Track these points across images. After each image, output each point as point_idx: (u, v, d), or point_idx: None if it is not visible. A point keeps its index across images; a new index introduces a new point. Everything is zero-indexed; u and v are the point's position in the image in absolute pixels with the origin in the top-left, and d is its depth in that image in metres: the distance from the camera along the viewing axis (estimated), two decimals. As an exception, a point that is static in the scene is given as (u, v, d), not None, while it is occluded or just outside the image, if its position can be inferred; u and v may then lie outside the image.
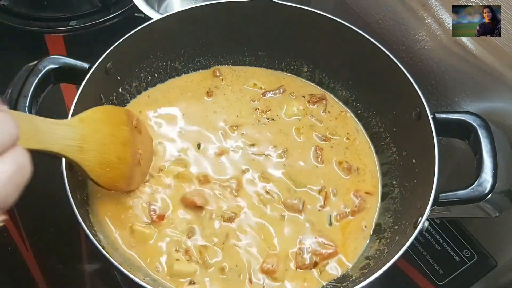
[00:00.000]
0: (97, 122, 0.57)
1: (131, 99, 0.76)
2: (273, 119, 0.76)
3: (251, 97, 0.78)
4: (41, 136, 0.47)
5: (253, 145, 0.72)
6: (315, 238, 0.65)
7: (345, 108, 0.79)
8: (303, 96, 0.79)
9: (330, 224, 0.67)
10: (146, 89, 0.77)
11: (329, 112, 0.78)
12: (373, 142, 0.75)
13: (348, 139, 0.75)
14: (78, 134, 0.53)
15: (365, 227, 0.68)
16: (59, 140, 0.50)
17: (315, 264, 0.63)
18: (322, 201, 0.68)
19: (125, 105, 0.75)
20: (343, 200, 0.69)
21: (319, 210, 0.68)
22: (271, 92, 0.79)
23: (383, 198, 0.70)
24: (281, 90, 0.79)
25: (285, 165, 0.71)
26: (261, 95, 0.78)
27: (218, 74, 0.80)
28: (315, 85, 0.81)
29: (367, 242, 0.66)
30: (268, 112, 0.76)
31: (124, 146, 0.61)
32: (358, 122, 0.77)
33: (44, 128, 0.48)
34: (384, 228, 0.67)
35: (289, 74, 0.82)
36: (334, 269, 0.64)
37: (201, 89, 0.78)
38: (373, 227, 0.68)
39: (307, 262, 0.63)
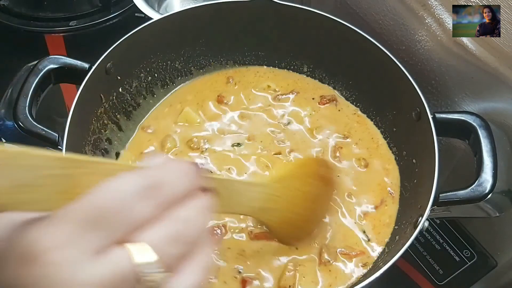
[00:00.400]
0: (288, 179, 0.55)
1: (136, 107, 0.76)
2: (288, 123, 0.75)
3: (265, 102, 0.77)
4: (233, 201, 0.43)
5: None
6: (342, 237, 0.65)
7: (355, 107, 0.78)
8: (313, 98, 0.78)
9: (365, 234, 0.65)
10: (149, 92, 0.77)
11: (339, 111, 0.77)
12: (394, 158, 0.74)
13: (371, 139, 0.74)
14: (269, 195, 0.50)
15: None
16: (248, 202, 0.47)
17: (342, 262, 0.63)
18: (348, 200, 0.68)
19: (133, 109, 0.75)
20: (366, 197, 0.68)
21: (350, 211, 0.67)
22: (284, 96, 0.78)
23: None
24: (294, 93, 0.78)
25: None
26: (274, 98, 0.78)
27: (231, 81, 0.79)
28: (325, 85, 0.80)
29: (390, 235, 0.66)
30: (282, 116, 0.76)
31: (305, 201, 0.57)
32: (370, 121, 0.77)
33: (241, 191, 0.45)
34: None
35: (298, 74, 0.81)
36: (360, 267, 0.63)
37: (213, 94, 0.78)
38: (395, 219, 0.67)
39: (330, 260, 0.63)
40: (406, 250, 0.55)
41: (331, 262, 0.63)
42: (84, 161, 0.29)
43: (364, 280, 0.54)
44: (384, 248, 0.64)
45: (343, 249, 0.64)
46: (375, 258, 0.64)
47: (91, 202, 0.26)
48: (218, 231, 0.63)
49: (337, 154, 0.72)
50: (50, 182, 0.27)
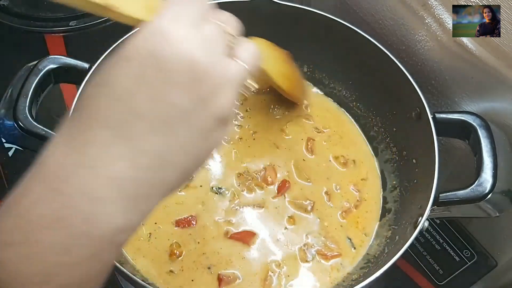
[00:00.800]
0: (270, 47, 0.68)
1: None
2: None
3: None
4: None
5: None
6: (323, 238, 0.65)
7: (320, 93, 0.80)
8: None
9: (350, 242, 0.66)
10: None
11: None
12: (373, 142, 0.75)
13: (335, 131, 0.76)
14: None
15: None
16: None
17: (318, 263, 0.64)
18: (327, 198, 0.68)
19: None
20: (345, 195, 0.69)
21: (326, 209, 0.68)
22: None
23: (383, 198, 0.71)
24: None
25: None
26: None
27: None
28: None
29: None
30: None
31: (288, 64, 0.71)
32: (342, 108, 0.79)
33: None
34: (384, 229, 0.67)
35: None
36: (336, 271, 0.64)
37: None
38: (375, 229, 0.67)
39: (310, 259, 0.63)
40: (406, 250, 0.55)
41: (311, 261, 0.63)
42: None
43: (364, 280, 0.54)
44: (367, 252, 0.65)
45: (321, 249, 0.64)
46: (353, 262, 0.64)
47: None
48: (194, 222, 0.64)
49: (309, 146, 0.73)
50: None
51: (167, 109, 0.34)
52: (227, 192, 0.67)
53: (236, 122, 0.74)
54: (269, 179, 0.68)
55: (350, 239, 0.66)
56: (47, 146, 0.35)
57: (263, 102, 0.77)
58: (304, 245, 0.64)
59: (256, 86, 0.42)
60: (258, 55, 0.41)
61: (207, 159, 0.39)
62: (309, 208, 0.67)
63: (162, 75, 0.33)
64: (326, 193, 0.69)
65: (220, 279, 0.61)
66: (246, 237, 0.64)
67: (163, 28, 0.34)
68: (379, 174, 0.72)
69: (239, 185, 0.68)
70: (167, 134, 0.34)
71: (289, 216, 0.66)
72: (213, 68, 0.35)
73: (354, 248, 0.65)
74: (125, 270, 0.53)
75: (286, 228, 0.65)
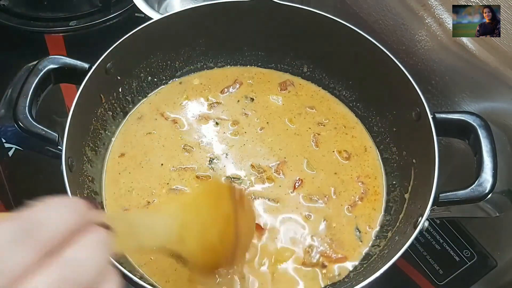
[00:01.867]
0: (199, 206, 0.51)
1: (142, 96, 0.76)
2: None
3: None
4: (137, 236, 0.42)
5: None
6: (329, 239, 0.65)
7: (317, 87, 0.80)
8: (269, 88, 0.80)
9: (359, 234, 0.67)
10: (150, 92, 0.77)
11: (300, 94, 0.80)
12: (373, 142, 0.75)
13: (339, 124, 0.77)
14: (178, 226, 0.47)
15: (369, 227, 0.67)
16: (158, 236, 0.45)
17: (322, 266, 0.63)
18: (334, 191, 0.69)
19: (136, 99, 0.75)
20: (351, 189, 0.70)
21: (334, 203, 0.68)
22: (230, 88, 0.79)
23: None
24: (237, 85, 0.79)
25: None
26: (219, 93, 0.78)
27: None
28: (273, 70, 0.82)
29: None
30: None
31: (227, 225, 0.51)
32: (337, 99, 0.79)
33: (142, 225, 0.43)
34: (384, 228, 0.67)
35: (241, 67, 0.82)
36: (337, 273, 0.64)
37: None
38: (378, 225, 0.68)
39: (314, 261, 0.64)
40: (406, 250, 0.55)
41: (312, 261, 0.64)
42: None
43: (364, 280, 0.54)
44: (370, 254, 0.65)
45: (325, 251, 0.64)
46: (354, 265, 0.64)
47: None
48: None
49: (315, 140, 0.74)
50: None
51: None
52: (243, 180, 0.69)
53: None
54: (281, 173, 0.70)
55: (359, 231, 0.66)
56: None
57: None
58: (309, 246, 0.64)
59: None
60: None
61: None
62: (320, 202, 0.68)
63: None
64: (334, 187, 0.70)
65: None
66: (257, 229, 0.64)
67: None
68: (382, 164, 0.73)
69: (253, 175, 0.70)
70: None
71: (303, 213, 0.67)
72: None
73: (361, 241, 0.66)
74: (124, 271, 0.53)
75: (298, 222, 0.66)
